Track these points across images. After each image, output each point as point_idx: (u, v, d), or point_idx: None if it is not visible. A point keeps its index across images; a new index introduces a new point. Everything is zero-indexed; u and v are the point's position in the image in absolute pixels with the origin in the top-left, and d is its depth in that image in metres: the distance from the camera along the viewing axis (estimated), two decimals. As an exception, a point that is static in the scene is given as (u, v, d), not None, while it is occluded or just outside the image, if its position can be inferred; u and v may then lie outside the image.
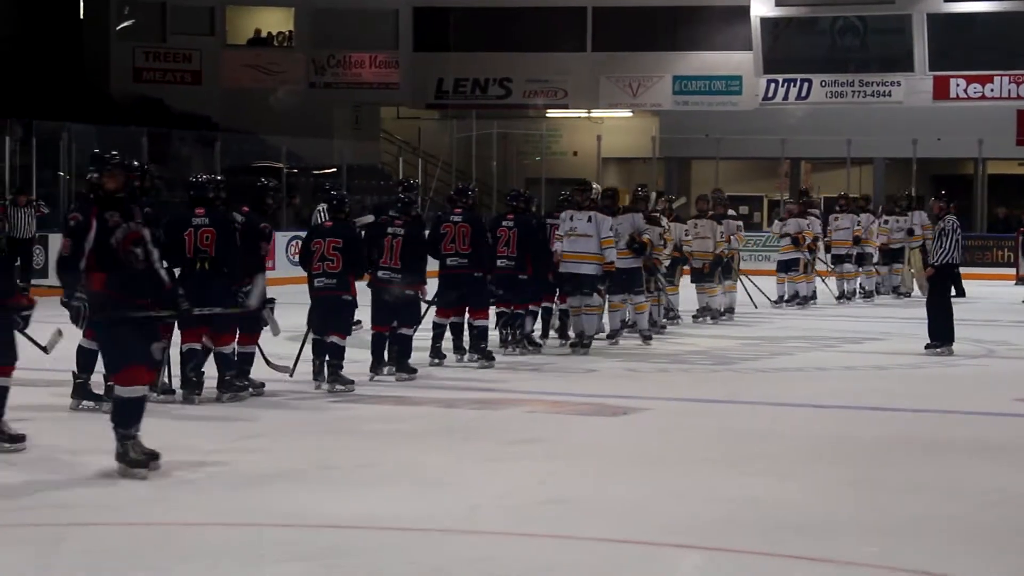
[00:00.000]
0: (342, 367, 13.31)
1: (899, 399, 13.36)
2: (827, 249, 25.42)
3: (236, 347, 12.60)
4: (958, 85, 37.91)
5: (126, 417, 9.16)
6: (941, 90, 37.95)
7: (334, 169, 34.89)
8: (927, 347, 16.71)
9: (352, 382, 13.29)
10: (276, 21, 42.24)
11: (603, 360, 16.05)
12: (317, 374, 13.43)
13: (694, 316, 20.47)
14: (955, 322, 16.89)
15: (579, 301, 16.54)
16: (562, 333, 17.28)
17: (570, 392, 13.53)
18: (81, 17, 41.17)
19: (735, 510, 8.46)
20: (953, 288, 25.26)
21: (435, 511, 8.36)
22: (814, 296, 23.98)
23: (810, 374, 15.43)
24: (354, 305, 13.61)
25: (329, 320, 13.46)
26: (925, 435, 11.41)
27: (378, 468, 9.74)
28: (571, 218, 16.38)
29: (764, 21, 39.22)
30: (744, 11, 39.24)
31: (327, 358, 13.34)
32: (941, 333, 16.71)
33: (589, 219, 16.28)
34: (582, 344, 16.47)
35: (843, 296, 25.06)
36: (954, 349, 16.67)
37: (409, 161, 37.96)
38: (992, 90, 37.69)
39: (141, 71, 40.57)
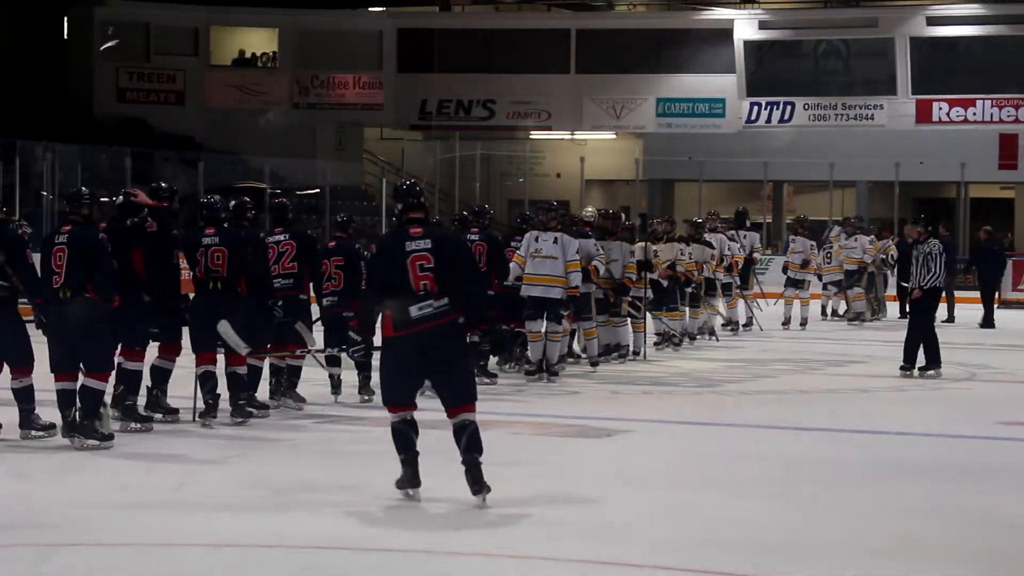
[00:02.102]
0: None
1: (882, 422, 13.36)
2: (784, 270, 25.19)
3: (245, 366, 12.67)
4: (941, 108, 38.02)
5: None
6: (924, 113, 38.06)
7: (317, 190, 34.92)
8: (902, 368, 16.79)
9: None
10: (260, 42, 42.25)
11: (587, 382, 16.05)
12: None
13: (657, 342, 19.44)
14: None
15: (539, 326, 15.77)
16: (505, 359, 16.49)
17: (554, 414, 13.54)
18: (65, 37, 41.14)
19: (719, 532, 8.48)
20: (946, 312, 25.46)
21: (419, 532, 8.37)
22: (749, 323, 23.23)
23: (794, 397, 15.45)
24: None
25: (341, 337, 13.65)
26: (908, 458, 11.43)
27: (362, 489, 9.74)
28: (536, 239, 15.73)
29: (747, 44, 39.33)
30: (727, 34, 39.35)
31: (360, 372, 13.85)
32: (931, 356, 16.76)
33: (555, 240, 15.65)
34: (550, 372, 15.83)
35: (788, 322, 24.01)
36: (942, 372, 16.76)
37: (392, 182, 37.78)
38: (975, 114, 37.80)
39: (124, 91, 40.53)
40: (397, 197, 9.56)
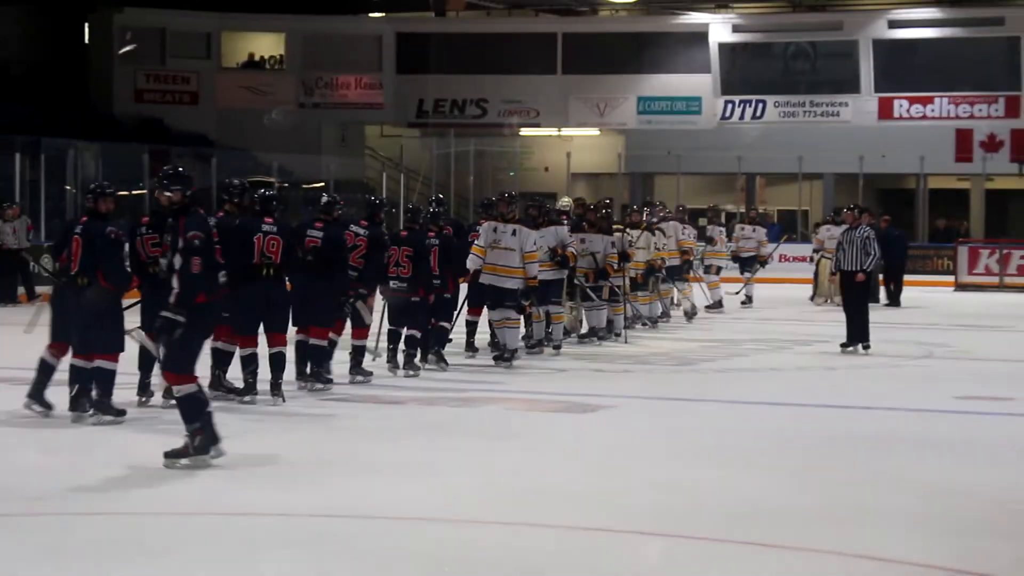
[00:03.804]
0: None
1: (848, 397, 13.37)
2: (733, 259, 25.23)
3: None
4: (901, 106, 38.03)
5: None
6: (885, 110, 38.07)
7: (322, 183, 34.86)
8: (843, 347, 16.93)
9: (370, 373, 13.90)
10: (268, 45, 42.18)
11: (572, 361, 16.01)
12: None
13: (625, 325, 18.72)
14: (898, 326, 16.93)
15: (500, 315, 15.23)
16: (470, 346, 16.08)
17: (542, 391, 13.53)
18: (86, 42, 41.06)
19: (695, 499, 8.49)
20: (887, 296, 25.50)
21: (419, 501, 8.37)
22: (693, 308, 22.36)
23: (765, 374, 15.44)
24: (424, 304, 14.55)
25: (404, 318, 14.34)
26: (872, 430, 11.44)
27: (365, 461, 9.74)
28: (495, 230, 15.15)
29: (722, 46, 39.31)
30: (703, 37, 39.32)
31: (402, 347, 14.38)
32: (862, 333, 16.85)
33: (514, 232, 15.08)
34: (503, 358, 15.18)
35: (717, 304, 23.39)
36: (876, 349, 16.82)
37: (392, 176, 37.94)
38: (932, 110, 37.81)
39: (142, 92, 40.46)
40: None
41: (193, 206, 9.72)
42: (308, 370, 13.10)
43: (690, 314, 21.36)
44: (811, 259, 26.44)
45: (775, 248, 26.48)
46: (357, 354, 13.89)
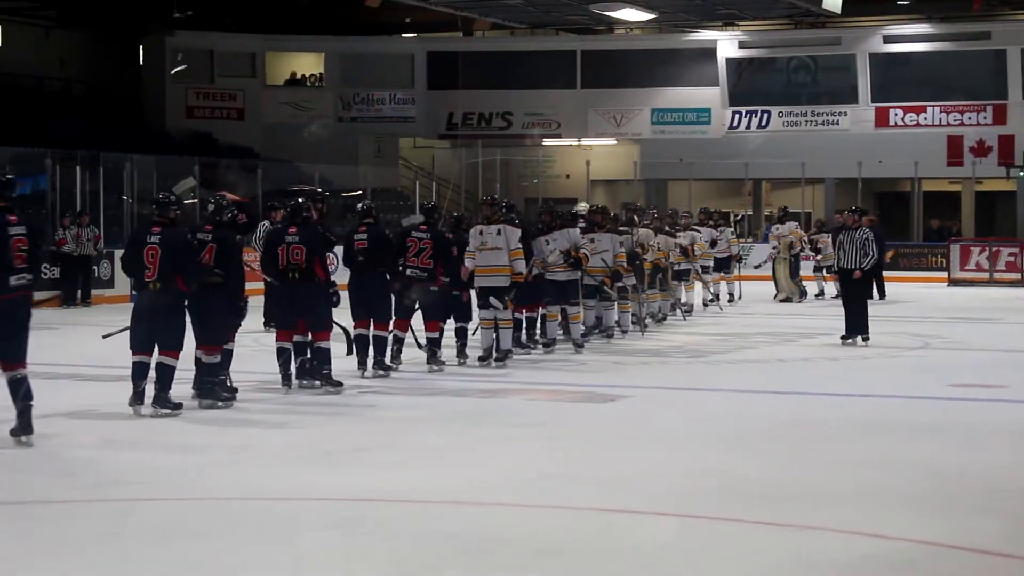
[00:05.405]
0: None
1: (848, 385, 13.33)
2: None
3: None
4: (896, 115, 37.88)
5: None
6: (881, 119, 37.93)
7: (360, 191, 34.87)
8: (843, 339, 16.92)
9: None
10: (309, 64, 42.22)
11: (592, 354, 15.99)
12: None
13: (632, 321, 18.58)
14: (895, 319, 16.87)
15: (491, 314, 14.61)
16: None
17: (564, 383, 13.53)
18: (141, 63, 41.20)
19: (707, 482, 8.47)
20: (877, 290, 25.36)
21: (448, 485, 8.37)
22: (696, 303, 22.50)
23: (772, 365, 15.40)
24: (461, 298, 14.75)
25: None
26: (871, 417, 11.40)
27: (399, 448, 9.74)
28: (480, 233, 14.56)
29: (729, 61, 39.24)
30: (712, 53, 39.26)
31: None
32: (861, 326, 16.81)
33: (498, 232, 14.50)
34: (497, 358, 14.61)
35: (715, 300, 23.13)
36: (874, 341, 16.76)
37: (424, 184, 37.96)
38: (926, 119, 37.66)
39: (193, 109, 40.53)
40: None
41: (8, 209, 9.78)
42: (369, 360, 13.44)
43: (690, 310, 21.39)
44: (772, 257, 25.92)
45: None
46: (433, 345, 14.16)
